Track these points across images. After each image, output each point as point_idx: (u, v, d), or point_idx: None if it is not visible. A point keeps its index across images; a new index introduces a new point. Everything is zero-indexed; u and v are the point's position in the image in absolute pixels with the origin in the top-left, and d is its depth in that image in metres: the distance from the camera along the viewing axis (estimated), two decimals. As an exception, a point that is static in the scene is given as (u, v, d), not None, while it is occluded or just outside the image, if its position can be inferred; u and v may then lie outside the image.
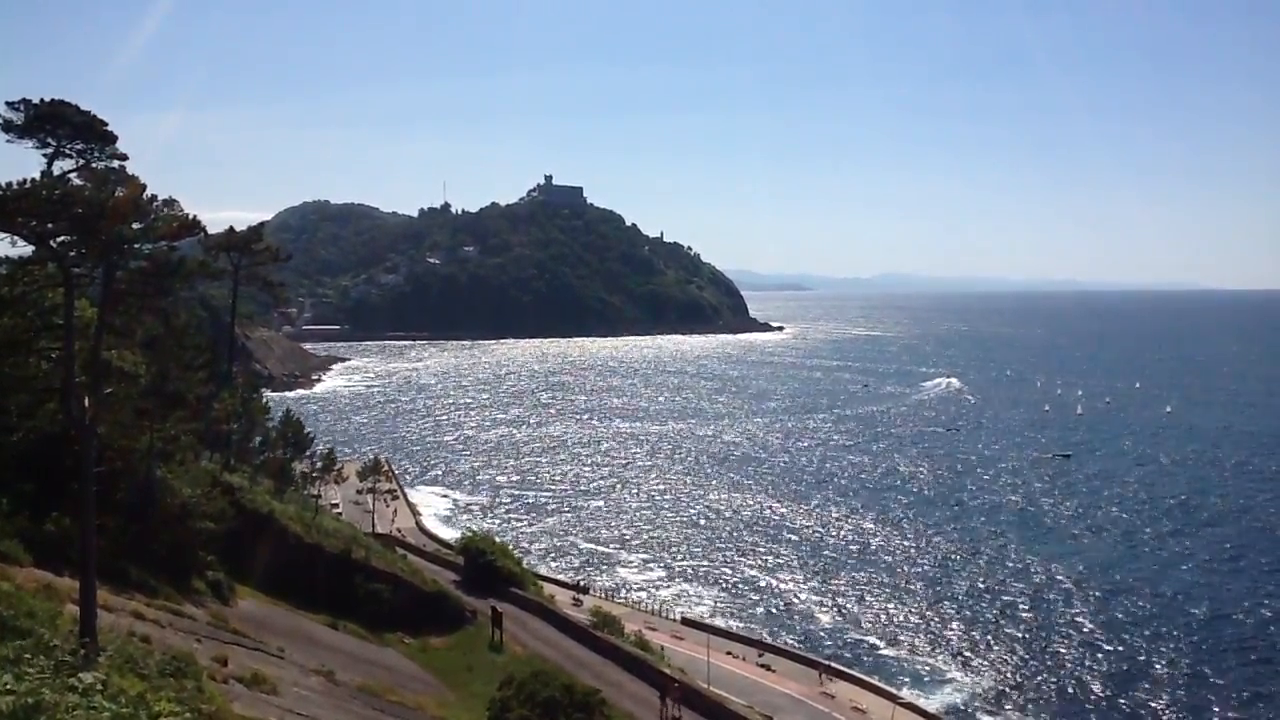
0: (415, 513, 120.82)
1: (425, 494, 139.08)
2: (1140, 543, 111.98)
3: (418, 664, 53.48)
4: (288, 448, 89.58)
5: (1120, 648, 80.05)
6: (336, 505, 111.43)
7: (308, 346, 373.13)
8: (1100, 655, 78.54)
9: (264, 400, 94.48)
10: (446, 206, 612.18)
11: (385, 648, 54.07)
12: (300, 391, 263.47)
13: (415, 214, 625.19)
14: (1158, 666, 76.14)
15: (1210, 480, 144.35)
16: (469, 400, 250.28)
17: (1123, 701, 70.05)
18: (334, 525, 69.27)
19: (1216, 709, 68.61)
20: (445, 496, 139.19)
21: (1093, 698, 70.96)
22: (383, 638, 55.70)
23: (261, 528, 56.24)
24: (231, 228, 76.61)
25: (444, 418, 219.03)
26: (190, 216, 29.63)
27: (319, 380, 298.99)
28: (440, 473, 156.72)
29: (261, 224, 79.42)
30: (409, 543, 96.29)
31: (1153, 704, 69.60)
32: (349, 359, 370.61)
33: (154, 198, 27.65)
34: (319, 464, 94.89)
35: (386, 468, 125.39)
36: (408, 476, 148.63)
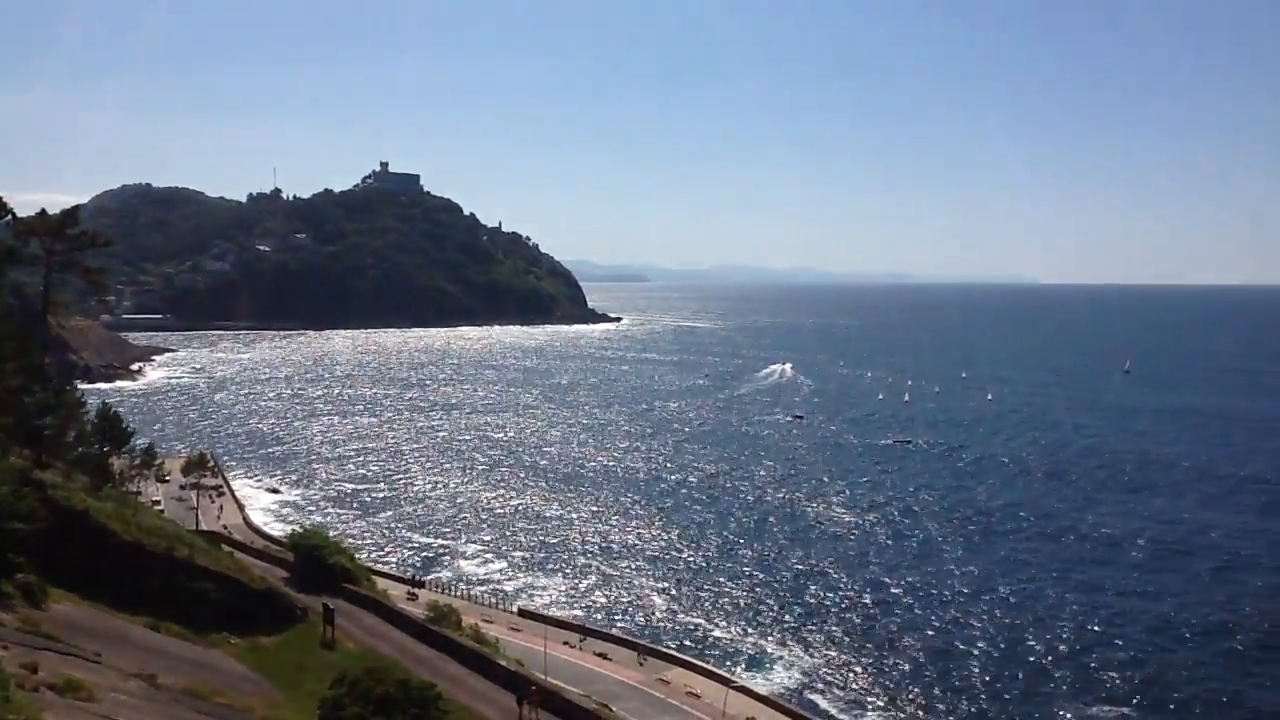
0: (243, 509, 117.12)
1: (253, 490, 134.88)
2: (962, 525, 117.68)
3: (246, 664, 51.91)
4: (105, 443, 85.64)
5: (940, 625, 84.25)
6: (158, 502, 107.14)
7: (128, 337, 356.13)
8: (921, 633, 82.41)
9: (79, 393, 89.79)
10: (278, 192, 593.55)
11: (211, 649, 52.30)
12: (120, 384, 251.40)
13: (244, 199, 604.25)
14: (974, 642, 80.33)
15: (1028, 464, 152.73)
16: (301, 393, 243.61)
17: (940, 675, 73.71)
18: (155, 523, 66.33)
19: (1021, 678, 72.93)
20: (275, 492, 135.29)
21: (914, 673, 74.37)
22: (209, 638, 53.82)
23: (76, 527, 53.55)
24: (44, 210, 72.54)
25: (274, 411, 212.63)
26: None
27: (140, 372, 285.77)
28: (270, 468, 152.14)
29: (77, 207, 75.22)
30: (236, 540, 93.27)
31: (968, 676, 73.45)
32: (173, 349, 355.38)
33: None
34: (138, 459, 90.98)
35: (212, 463, 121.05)
36: (235, 472, 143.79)
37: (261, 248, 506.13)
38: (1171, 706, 68.74)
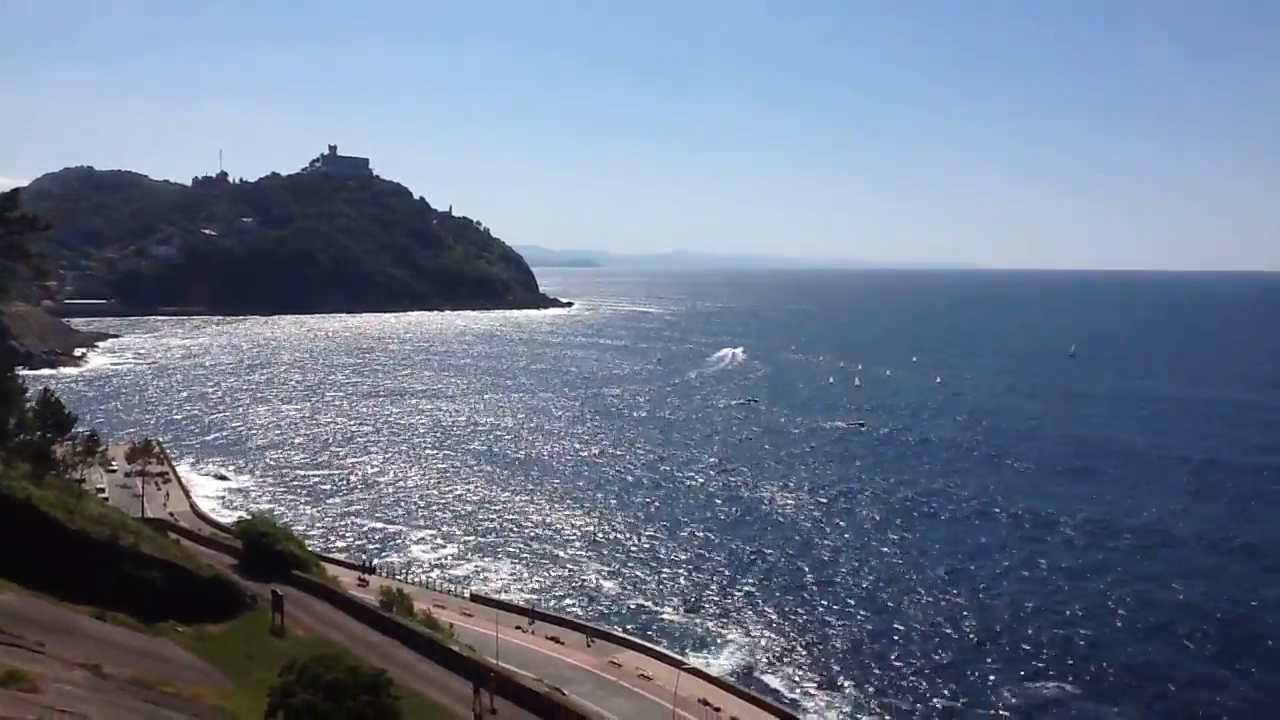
0: (189, 496, 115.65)
1: (200, 477, 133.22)
2: (907, 508, 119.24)
3: (194, 653, 51.49)
4: (47, 430, 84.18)
5: (884, 604, 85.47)
6: (103, 490, 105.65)
7: (71, 322, 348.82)
8: (865, 612, 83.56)
9: (21, 380, 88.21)
10: (224, 175, 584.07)
11: (158, 637, 51.79)
12: (63, 370, 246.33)
13: (189, 183, 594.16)
14: (915, 620, 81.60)
15: (973, 447, 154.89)
16: (248, 379, 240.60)
17: (882, 652, 74.86)
18: (100, 510, 65.41)
19: (958, 654, 74.26)
20: (222, 478, 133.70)
21: (859, 651, 75.44)
22: (156, 627, 53.29)
23: (18, 515, 52.73)
24: (-19, 194, 71.10)
25: (221, 397, 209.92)
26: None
27: (83, 358, 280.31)
28: (217, 454, 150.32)
29: (16, 191, 73.85)
30: (183, 527, 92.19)
31: (909, 653, 74.65)
32: (118, 335, 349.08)
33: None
34: (81, 446, 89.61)
35: (157, 450, 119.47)
36: (181, 459, 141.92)
37: (207, 232, 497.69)
38: (1103, 680, 70.34)
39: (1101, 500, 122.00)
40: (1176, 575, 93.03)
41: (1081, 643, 77.38)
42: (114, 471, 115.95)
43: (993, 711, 66.10)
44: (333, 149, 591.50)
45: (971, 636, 78.74)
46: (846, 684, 69.91)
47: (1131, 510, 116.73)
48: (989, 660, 74.23)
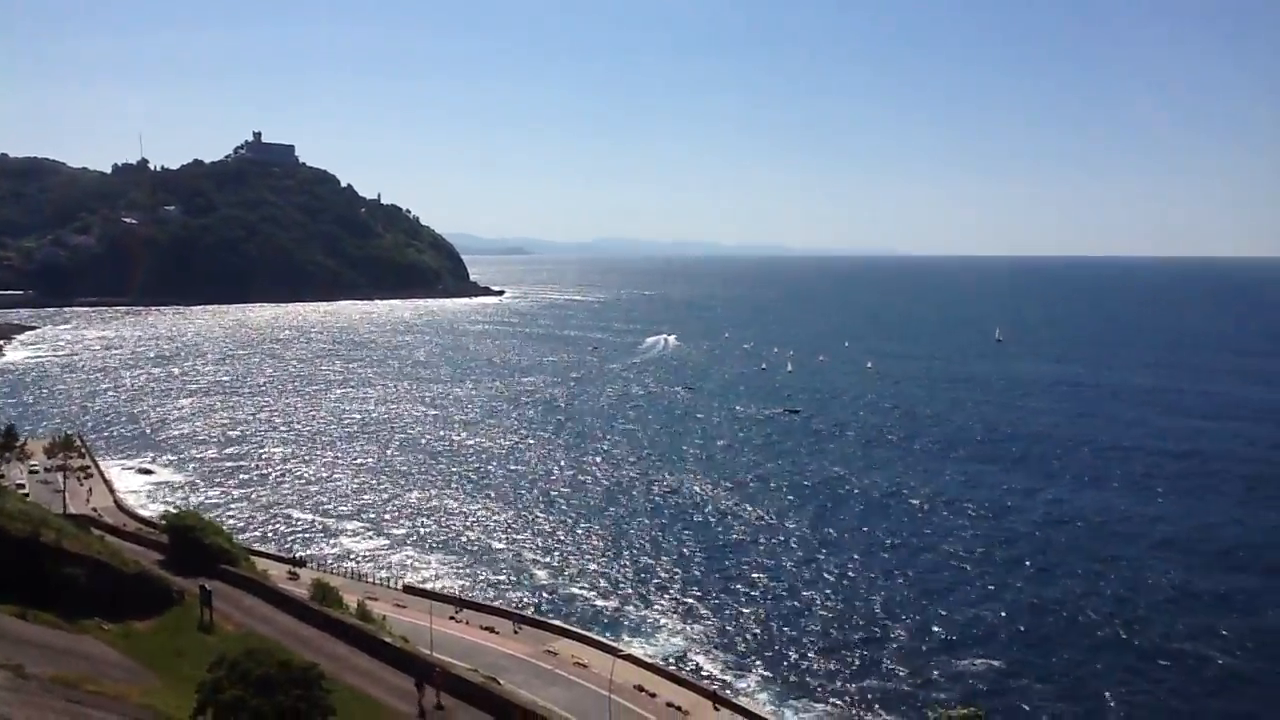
0: (113, 491, 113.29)
1: (124, 471, 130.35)
2: (840, 494, 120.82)
3: (119, 650, 50.58)
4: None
5: (811, 587, 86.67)
6: (23, 486, 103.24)
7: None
8: (791, 594, 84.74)
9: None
10: (144, 163, 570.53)
11: (82, 635, 50.81)
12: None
13: (109, 170, 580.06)
14: (835, 600, 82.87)
15: (902, 431, 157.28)
16: (172, 371, 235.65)
17: (810, 634, 75.94)
18: (19, 507, 63.88)
19: (873, 631, 75.64)
20: (147, 473, 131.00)
21: (784, 632, 76.39)
22: (79, 625, 52.29)
23: (-68, 514, 51.31)
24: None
25: (145, 390, 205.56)
26: None
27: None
28: (141, 448, 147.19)
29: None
30: (107, 523, 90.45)
31: (829, 631, 75.85)
32: (35, 327, 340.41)
33: None
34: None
35: (79, 444, 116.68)
36: (104, 453, 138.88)
37: (129, 221, 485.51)
38: (1002, 655, 72.10)
39: (1012, 483, 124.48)
40: (1074, 553, 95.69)
41: (986, 618, 79.61)
42: (35, 470, 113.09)
43: (904, 685, 67.68)
44: (257, 135, 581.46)
45: (884, 615, 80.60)
46: (774, 665, 70.91)
47: (1039, 492, 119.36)
48: (900, 635, 76.16)
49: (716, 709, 58.44)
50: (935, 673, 69.74)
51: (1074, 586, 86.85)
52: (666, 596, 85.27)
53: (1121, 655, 72.68)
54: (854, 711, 63.89)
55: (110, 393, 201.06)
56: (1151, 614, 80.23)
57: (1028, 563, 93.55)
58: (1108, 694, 66.33)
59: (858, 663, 71.31)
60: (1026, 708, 64.43)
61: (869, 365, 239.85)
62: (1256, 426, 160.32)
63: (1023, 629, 77.58)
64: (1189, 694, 66.65)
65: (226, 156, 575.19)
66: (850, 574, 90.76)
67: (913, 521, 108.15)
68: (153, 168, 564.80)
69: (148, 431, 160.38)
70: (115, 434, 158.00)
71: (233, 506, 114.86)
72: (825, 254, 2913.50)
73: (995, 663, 71.41)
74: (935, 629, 77.78)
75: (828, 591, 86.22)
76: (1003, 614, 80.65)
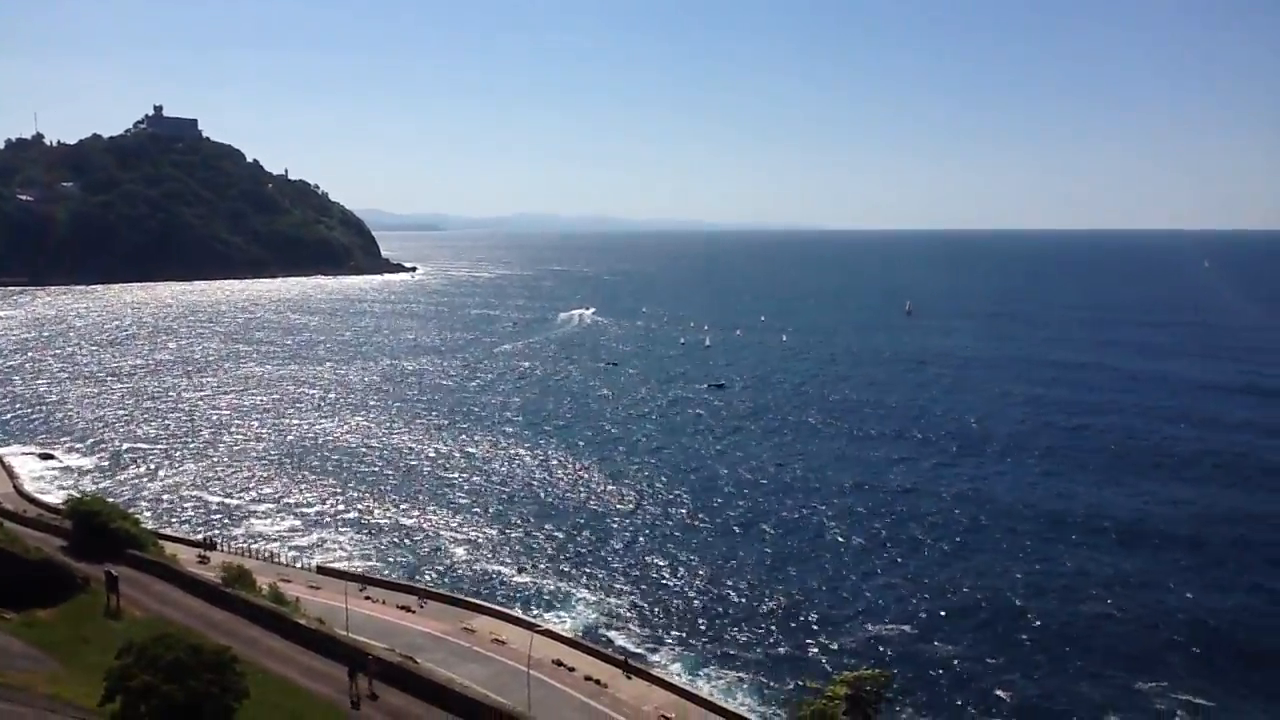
0: (13, 476, 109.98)
1: (23, 456, 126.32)
2: (752, 468, 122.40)
3: (23, 640, 49.48)
4: None
5: (724, 559, 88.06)
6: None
7: None
8: (705, 566, 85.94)
9: None
10: (39, 138, 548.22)
11: (-18, 626, 49.57)
12: None
13: (1, 144, 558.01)
14: (744, 575, 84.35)
15: (831, 397, 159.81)
16: (71, 353, 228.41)
17: (734, 607, 77.31)
18: (-88, 496, 61.99)
19: (788, 607, 77.35)
20: (48, 457, 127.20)
21: (703, 604, 77.60)
22: (-21, 615, 50.98)
23: None
24: None
25: (43, 373, 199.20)
26: None
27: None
28: (41, 432, 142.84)
29: None
30: (6, 509, 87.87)
31: (742, 606, 77.28)
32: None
33: None
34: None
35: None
36: (2, 438, 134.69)
37: (24, 198, 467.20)
38: (895, 635, 74.32)
39: (915, 461, 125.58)
40: (973, 531, 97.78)
41: (898, 587, 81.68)
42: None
43: (814, 651, 69.46)
44: (158, 109, 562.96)
45: (798, 588, 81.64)
46: (689, 635, 71.94)
47: (944, 472, 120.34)
48: (813, 606, 77.56)
49: (629, 678, 59.25)
50: (847, 639, 71.49)
51: (981, 561, 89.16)
52: (584, 571, 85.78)
53: (1020, 623, 75.22)
54: (763, 678, 65.22)
55: (4, 376, 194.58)
56: (1053, 586, 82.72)
57: (934, 537, 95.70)
58: (1008, 658, 68.82)
59: (770, 632, 72.76)
60: (934, 673, 66.42)
61: (783, 339, 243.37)
62: (1153, 399, 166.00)
63: (930, 599, 79.63)
64: (1089, 661, 69.41)
65: (126, 131, 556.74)
66: (766, 547, 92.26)
67: (825, 495, 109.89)
68: (49, 143, 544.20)
69: (48, 415, 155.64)
70: (13, 418, 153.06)
71: (140, 489, 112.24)
72: (749, 228, 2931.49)
73: (906, 628, 73.47)
74: (846, 597, 79.60)
75: (744, 566, 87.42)
76: (914, 586, 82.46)
